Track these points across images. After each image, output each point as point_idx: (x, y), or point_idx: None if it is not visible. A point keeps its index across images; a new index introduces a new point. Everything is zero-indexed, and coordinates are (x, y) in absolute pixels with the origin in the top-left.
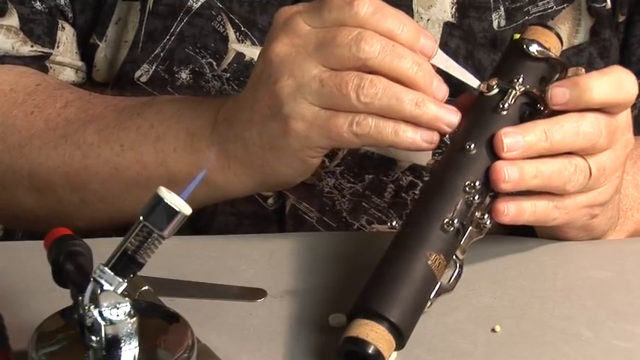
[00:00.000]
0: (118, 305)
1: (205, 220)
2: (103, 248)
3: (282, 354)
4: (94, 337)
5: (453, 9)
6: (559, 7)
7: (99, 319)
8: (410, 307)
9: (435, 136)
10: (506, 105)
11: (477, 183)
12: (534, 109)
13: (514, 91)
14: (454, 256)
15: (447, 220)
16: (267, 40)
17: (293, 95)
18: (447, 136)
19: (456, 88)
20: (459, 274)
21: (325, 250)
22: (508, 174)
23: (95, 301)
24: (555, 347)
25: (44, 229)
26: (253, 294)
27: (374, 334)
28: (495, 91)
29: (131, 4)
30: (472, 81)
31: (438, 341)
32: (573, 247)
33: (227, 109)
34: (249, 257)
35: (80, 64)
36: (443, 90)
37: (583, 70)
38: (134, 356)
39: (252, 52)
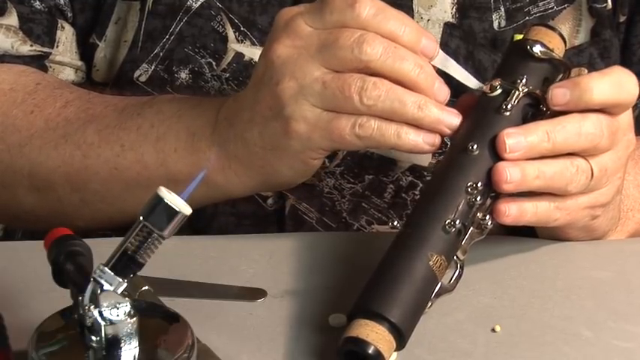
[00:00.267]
0: (118, 305)
1: (205, 221)
2: (103, 248)
3: (282, 354)
4: (94, 337)
5: (454, 9)
6: (560, 8)
7: (99, 319)
8: (410, 308)
9: (437, 139)
10: (509, 106)
11: (479, 184)
12: (537, 109)
13: (517, 92)
14: (455, 257)
15: (448, 220)
16: (268, 41)
17: (295, 97)
18: (448, 136)
19: (457, 89)
20: (460, 275)
21: (325, 250)
22: (510, 175)
23: (95, 301)
24: (555, 347)
25: (44, 229)
26: (253, 294)
27: (374, 334)
28: (498, 91)
29: (131, 3)
30: (472, 82)
31: (438, 341)
32: (574, 247)
33: (227, 109)
34: (249, 257)
35: (80, 63)
36: (444, 92)
37: (586, 70)
38: (134, 356)
39: (251, 52)
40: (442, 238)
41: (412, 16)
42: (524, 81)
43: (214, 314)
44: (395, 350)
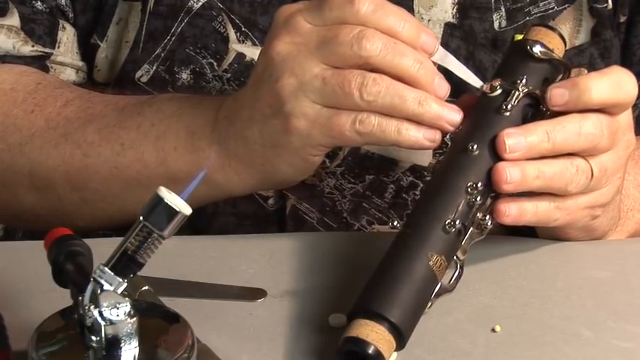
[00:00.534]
0: (118, 305)
1: (206, 221)
2: (103, 248)
3: (282, 354)
4: (94, 337)
5: (454, 9)
6: (560, 8)
7: (99, 319)
8: (410, 308)
9: (437, 135)
10: (509, 106)
11: (479, 184)
12: (537, 110)
13: (517, 92)
14: (455, 257)
15: (448, 221)
16: (267, 39)
17: (295, 93)
18: (448, 136)
19: (458, 88)
20: (460, 275)
21: (325, 250)
22: (510, 175)
23: (95, 301)
24: (555, 347)
25: (44, 228)
26: (253, 294)
27: (374, 334)
28: (498, 91)
29: (132, 4)
30: (472, 79)
31: (438, 341)
32: (573, 247)
33: (227, 108)
34: (249, 257)
35: (81, 64)
36: (444, 87)
37: (585, 71)
38: (134, 356)
39: (252, 52)
40: (442, 238)
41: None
42: (524, 81)
43: (214, 314)
44: (395, 350)
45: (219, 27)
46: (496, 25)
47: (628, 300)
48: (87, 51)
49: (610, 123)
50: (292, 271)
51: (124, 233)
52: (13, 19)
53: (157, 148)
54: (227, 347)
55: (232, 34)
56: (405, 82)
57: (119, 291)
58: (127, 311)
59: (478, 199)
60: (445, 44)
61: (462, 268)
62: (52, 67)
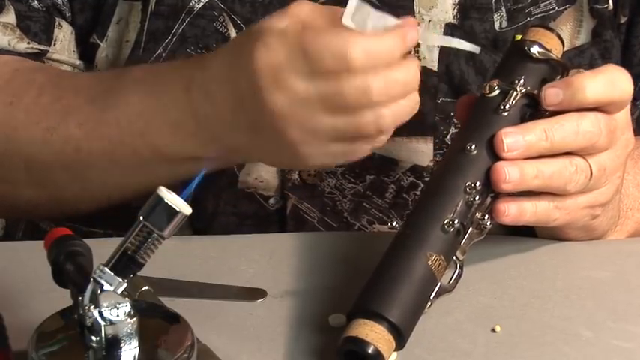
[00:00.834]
0: (118, 305)
1: (206, 221)
2: (103, 248)
3: (282, 354)
4: (94, 337)
5: (455, 10)
6: (561, 8)
7: (99, 319)
8: (410, 307)
9: None
10: (507, 106)
11: (478, 184)
12: (535, 110)
13: (515, 92)
14: (454, 257)
15: (447, 220)
16: (255, 89)
17: (308, 144)
18: (449, 137)
19: (458, 89)
20: (459, 275)
21: (325, 250)
22: (509, 174)
23: (95, 301)
24: (555, 347)
25: (44, 217)
26: (253, 294)
27: (373, 333)
28: (496, 92)
29: (132, 4)
30: (464, 45)
31: (438, 341)
32: (573, 247)
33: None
34: (249, 257)
35: (78, 62)
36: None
37: (583, 71)
38: (134, 356)
39: None
40: (441, 238)
41: (413, 17)
42: (521, 81)
43: (214, 314)
44: (394, 350)
45: (221, 27)
46: (497, 25)
47: (628, 300)
48: (86, 50)
49: (608, 121)
50: (292, 271)
51: (124, 233)
52: (9, 16)
53: (147, 143)
54: (227, 347)
55: (233, 34)
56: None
57: (119, 291)
58: (127, 311)
59: (477, 198)
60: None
61: (461, 268)
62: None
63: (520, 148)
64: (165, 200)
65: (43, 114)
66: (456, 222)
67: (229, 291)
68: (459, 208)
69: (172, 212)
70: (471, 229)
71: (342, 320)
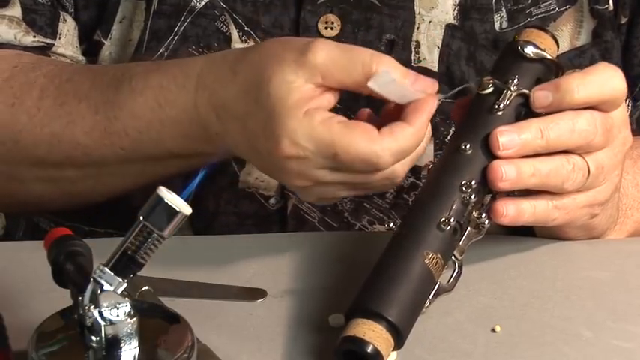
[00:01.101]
0: (118, 305)
1: (207, 220)
2: (103, 248)
3: (282, 354)
4: (94, 337)
5: (455, 11)
6: (561, 9)
7: (99, 319)
8: (408, 306)
9: None
10: (501, 105)
11: (473, 182)
12: (530, 110)
13: (509, 92)
14: (453, 256)
15: (443, 219)
16: (276, 170)
17: (311, 188)
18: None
19: (458, 90)
20: (459, 275)
21: (325, 250)
22: (505, 173)
23: (95, 301)
24: (555, 347)
25: (56, 210)
26: (253, 294)
27: (371, 332)
28: (490, 90)
29: (137, 3)
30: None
31: (438, 341)
32: (573, 247)
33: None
34: (249, 257)
35: (81, 58)
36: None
37: (579, 71)
38: (134, 356)
39: None
40: (437, 237)
41: (414, 18)
42: (515, 81)
43: (214, 314)
44: (393, 349)
45: (222, 27)
46: (497, 26)
47: (627, 300)
48: (90, 47)
49: (604, 120)
50: (292, 271)
51: (125, 232)
52: (15, 10)
53: (160, 149)
54: (227, 347)
55: (235, 33)
56: None
57: (119, 291)
58: (127, 311)
59: (472, 196)
60: (446, 46)
61: (460, 267)
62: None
63: (515, 147)
64: (165, 200)
65: (46, 119)
66: (452, 220)
67: (229, 291)
68: (454, 206)
69: (172, 212)
70: (469, 228)
71: (342, 320)
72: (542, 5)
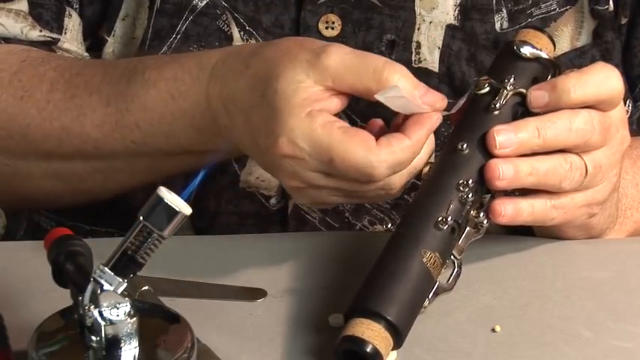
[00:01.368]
0: (118, 305)
1: (208, 220)
2: (103, 248)
3: (282, 354)
4: (94, 337)
5: (456, 11)
6: (561, 10)
7: (99, 319)
8: (406, 305)
9: None
10: (497, 105)
11: (470, 181)
12: (527, 109)
13: (505, 91)
14: (452, 256)
15: (440, 218)
16: (273, 167)
17: (306, 190)
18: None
19: (459, 90)
20: (458, 274)
21: (326, 250)
22: (503, 171)
23: (95, 301)
24: (555, 347)
25: (64, 206)
26: (253, 294)
27: (370, 332)
28: (486, 89)
29: (140, 1)
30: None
31: (438, 341)
32: (573, 247)
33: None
34: (249, 257)
35: (85, 54)
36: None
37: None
38: (134, 356)
39: None
40: (435, 236)
41: (414, 19)
42: (512, 80)
43: (214, 314)
44: (393, 349)
45: (223, 26)
46: (497, 26)
47: (628, 300)
48: (94, 43)
49: (602, 119)
50: (292, 271)
51: (125, 232)
52: (22, 4)
53: (171, 144)
54: (227, 347)
55: (236, 32)
56: None
57: (119, 291)
58: (127, 311)
59: (470, 195)
60: (447, 46)
61: (459, 267)
62: (58, 53)
63: (512, 145)
64: (166, 200)
65: (56, 112)
66: (449, 219)
67: (229, 291)
68: (452, 205)
69: (172, 212)
70: (468, 228)
71: (341, 320)
72: (542, 6)
